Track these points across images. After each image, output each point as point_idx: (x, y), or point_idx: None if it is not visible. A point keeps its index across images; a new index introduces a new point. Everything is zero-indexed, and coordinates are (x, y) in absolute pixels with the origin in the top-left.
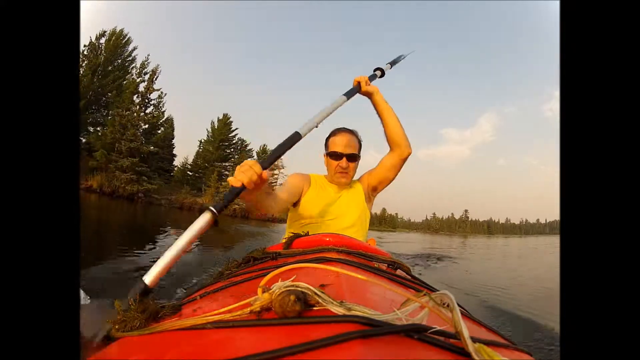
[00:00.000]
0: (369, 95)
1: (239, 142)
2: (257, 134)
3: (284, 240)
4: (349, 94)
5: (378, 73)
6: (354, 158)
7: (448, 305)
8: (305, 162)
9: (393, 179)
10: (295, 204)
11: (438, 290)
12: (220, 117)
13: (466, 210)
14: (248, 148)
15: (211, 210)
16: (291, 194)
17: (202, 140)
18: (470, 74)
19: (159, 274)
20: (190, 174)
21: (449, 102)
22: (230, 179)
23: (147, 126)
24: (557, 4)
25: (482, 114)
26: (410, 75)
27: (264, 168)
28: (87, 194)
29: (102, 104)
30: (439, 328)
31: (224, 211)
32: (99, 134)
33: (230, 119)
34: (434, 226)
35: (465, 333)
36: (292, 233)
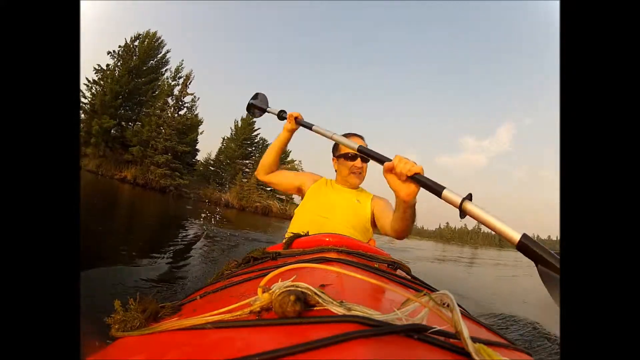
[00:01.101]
0: (400, 194)
1: (260, 141)
2: (276, 132)
3: (284, 240)
4: (367, 154)
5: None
6: (366, 159)
7: (448, 305)
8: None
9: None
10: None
11: (438, 290)
12: (244, 117)
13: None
14: None
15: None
16: (288, 177)
17: (225, 138)
18: (490, 83)
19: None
20: (212, 169)
21: (469, 110)
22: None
23: (180, 127)
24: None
25: (501, 124)
26: (432, 81)
27: (297, 122)
28: (121, 184)
29: (136, 102)
30: (439, 328)
31: (249, 206)
32: (133, 129)
33: (254, 119)
34: (446, 235)
35: (465, 333)
36: (292, 233)
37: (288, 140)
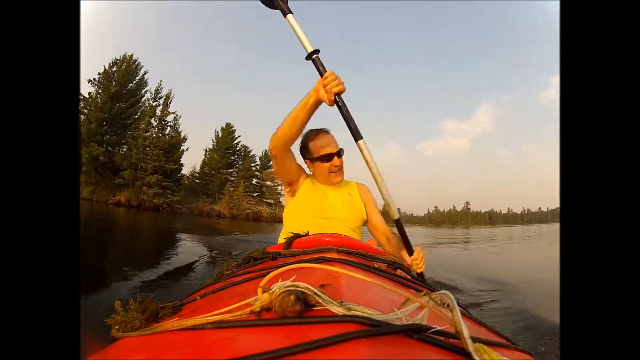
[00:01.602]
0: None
1: (242, 149)
2: (258, 137)
3: (283, 241)
4: (399, 229)
5: None
6: (342, 153)
7: (448, 305)
8: None
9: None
10: (292, 194)
11: (438, 290)
12: (224, 126)
13: (467, 202)
14: (251, 154)
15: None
16: (294, 166)
17: (208, 149)
18: (465, 64)
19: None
20: (199, 181)
21: (446, 94)
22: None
23: (167, 146)
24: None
25: (480, 105)
26: (405, 67)
27: (338, 102)
28: (116, 208)
29: (120, 126)
30: (439, 328)
31: (240, 214)
32: (119, 152)
33: (234, 127)
34: (436, 219)
35: (465, 333)
36: (292, 233)
37: (316, 108)
